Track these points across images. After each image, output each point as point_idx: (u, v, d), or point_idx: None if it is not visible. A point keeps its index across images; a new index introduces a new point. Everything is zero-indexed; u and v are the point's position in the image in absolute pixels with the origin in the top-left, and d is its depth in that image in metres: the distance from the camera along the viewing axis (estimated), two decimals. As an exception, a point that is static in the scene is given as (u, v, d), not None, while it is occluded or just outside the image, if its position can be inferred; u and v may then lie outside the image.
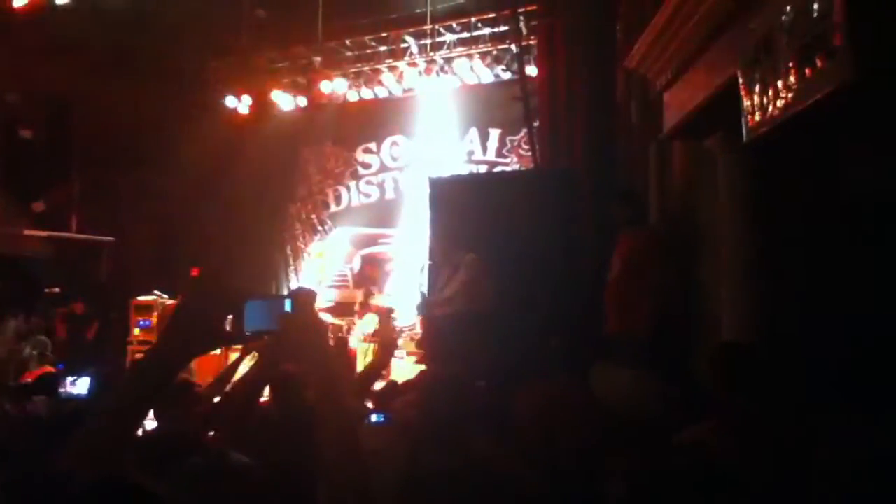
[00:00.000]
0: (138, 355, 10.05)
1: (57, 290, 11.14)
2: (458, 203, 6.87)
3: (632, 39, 5.64)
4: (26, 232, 11.71)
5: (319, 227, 13.40)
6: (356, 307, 10.70)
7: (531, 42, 10.29)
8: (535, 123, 9.40)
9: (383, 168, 13.03)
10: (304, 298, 1.67)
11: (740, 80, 3.64)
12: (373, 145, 13.07)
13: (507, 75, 11.16)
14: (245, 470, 1.93)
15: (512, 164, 11.89)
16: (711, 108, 4.30)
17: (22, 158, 12.09)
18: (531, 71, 9.93)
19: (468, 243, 6.40)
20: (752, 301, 4.46)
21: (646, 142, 6.54)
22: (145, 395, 1.68)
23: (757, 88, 3.45)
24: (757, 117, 3.47)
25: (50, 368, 7.16)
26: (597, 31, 8.10)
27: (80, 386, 4.32)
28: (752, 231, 4.53)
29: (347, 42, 11.89)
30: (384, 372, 9.30)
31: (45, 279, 11.37)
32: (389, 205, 12.88)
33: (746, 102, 3.57)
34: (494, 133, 12.16)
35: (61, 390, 4.42)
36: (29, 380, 5.82)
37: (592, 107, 8.23)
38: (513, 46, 10.60)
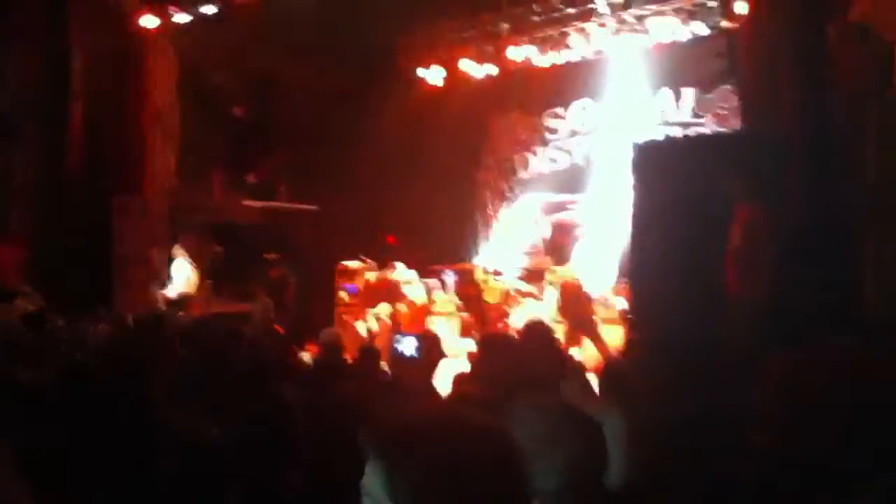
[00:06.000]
0: (345, 317, 10.76)
1: (274, 255, 12.09)
2: (664, 168, 6.68)
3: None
4: (243, 202, 12.76)
5: (508, 194, 13.55)
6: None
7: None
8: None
9: (571, 133, 12.92)
10: None
11: None
12: (560, 110, 12.98)
13: (703, 31, 10.64)
14: None
15: (707, 124, 11.40)
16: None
17: (236, 135, 13.14)
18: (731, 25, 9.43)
19: (676, 212, 6.24)
20: None
21: (864, 100, 6.06)
22: None
23: None
24: None
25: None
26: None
27: (407, 346, 4.79)
28: None
29: (534, 6, 11.79)
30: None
31: (259, 246, 12.35)
32: (578, 170, 12.77)
33: None
34: (687, 92, 11.69)
35: (395, 347, 5.01)
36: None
37: (802, 62, 7.69)
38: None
